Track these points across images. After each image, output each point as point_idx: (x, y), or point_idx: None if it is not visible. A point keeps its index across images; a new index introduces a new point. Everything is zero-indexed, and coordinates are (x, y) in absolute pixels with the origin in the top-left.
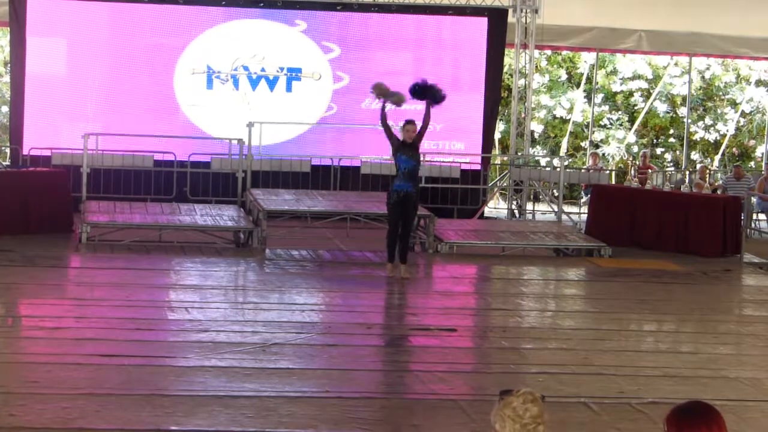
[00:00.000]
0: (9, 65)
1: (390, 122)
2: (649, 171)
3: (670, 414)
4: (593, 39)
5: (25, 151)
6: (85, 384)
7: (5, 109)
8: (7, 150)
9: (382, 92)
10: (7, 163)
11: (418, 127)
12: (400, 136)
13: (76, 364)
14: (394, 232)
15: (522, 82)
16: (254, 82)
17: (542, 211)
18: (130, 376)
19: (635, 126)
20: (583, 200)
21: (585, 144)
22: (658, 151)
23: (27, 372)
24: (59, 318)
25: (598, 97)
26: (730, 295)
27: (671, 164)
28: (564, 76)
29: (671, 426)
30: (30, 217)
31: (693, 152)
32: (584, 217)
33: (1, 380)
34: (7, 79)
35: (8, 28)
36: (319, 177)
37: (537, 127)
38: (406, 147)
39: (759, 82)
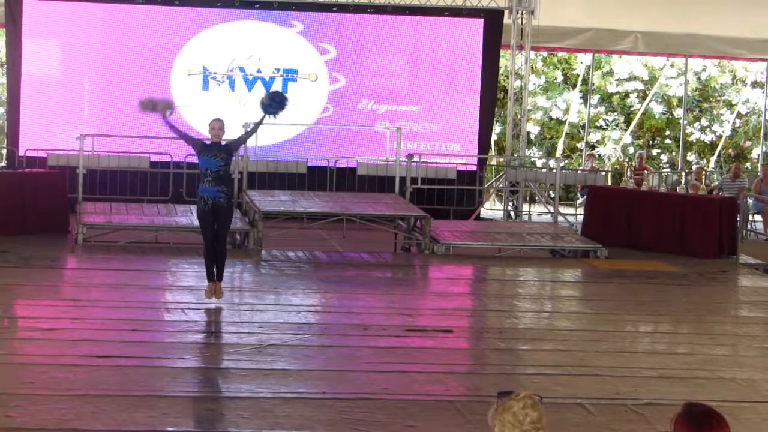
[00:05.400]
0: (5, 67)
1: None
2: (645, 172)
3: (679, 417)
4: (589, 40)
5: (21, 153)
6: (81, 385)
7: (1, 110)
8: (3, 151)
9: (148, 106)
10: (3, 164)
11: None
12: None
13: (72, 365)
14: (208, 246)
15: (518, 83)
16: (250, 84)
17: (538, 212)
18: (126, 377)
19: (631, 127)
20: (579, 201)
21: (581, 145)
22: (654, 152)
23: (23, 373)
24: (55, 319)
25: (594, 99)
26: (726, 297)
27: (667, 165)
28: (560, 78)
29: (680, 429)
30: (26, 218)
31: (689, 153)
32: (580, 218)
33: None
34: (3, 80)
35: (4, 30)
36: (315, 178)
37: (533, 129)
38: (211, 147)
39: (755, 84)
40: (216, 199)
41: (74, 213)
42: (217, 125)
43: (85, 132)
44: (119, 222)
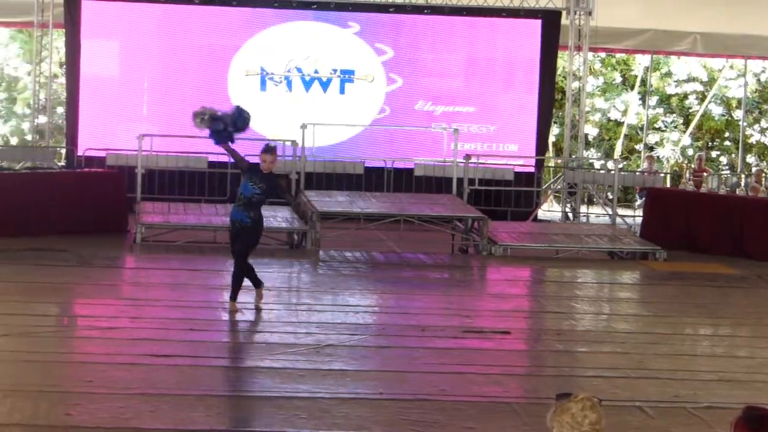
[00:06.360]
0: (64, 67)
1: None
2: (705, 174)
3: (739, 421)
4: (647, 41)
5: (80, 152)
6: (138, 384)
7: (61, 110)
8: (63, 151)
9: (204, 122)
10: (63, 163)
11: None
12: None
13: (130, 364)
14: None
15: (576, 84)
16: (307, 84)
17: (596, 213)
18: (183, 377)
19: (690, 129)
20: (637, 203)
21: (639, 147)
22: (714, 154)
23: (82, 372)
24: (114, 318)
25: (653, 100)
26: None
27: (727, 167)
28: (618, 79)
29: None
30: (85, 218)
31: (749, 155)
32: (639, 220)
33: (57, 380)
34: (62, 80)
35: (63, 30)
36: (372, 179)
37: (591, 130)
38: (256, 171)
39: None
40: (242, 223)
41: (133, 213)
42: (269, 158)
43: (143, 132)
44: (177, 222)
